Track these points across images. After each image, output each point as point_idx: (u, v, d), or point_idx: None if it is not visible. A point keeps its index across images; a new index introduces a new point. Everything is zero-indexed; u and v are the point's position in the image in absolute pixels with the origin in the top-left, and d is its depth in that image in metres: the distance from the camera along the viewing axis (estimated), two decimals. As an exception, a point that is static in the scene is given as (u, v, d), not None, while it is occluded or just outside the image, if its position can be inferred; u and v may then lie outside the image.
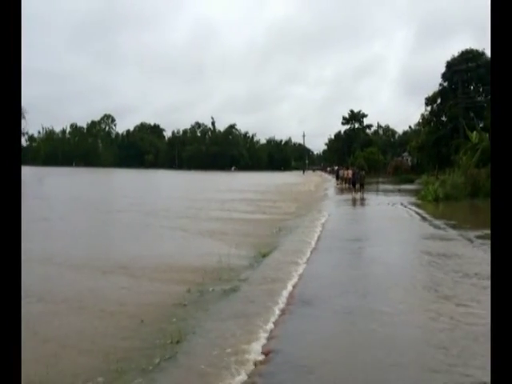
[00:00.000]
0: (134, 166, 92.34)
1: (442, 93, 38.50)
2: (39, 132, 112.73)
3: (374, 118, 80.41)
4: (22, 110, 46.32)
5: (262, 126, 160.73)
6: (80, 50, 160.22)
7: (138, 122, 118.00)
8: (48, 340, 3.97)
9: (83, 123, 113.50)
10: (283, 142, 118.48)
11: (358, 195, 21.13)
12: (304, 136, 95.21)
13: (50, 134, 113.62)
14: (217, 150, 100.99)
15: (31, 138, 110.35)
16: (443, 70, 38.20)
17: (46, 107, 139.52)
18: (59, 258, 7.40)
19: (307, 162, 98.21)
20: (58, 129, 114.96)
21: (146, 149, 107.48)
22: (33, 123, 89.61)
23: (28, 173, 52.29)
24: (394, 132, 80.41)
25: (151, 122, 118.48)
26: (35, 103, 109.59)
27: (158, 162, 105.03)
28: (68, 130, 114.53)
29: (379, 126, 79.69)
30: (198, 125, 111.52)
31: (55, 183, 34.82)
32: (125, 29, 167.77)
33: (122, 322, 4.42)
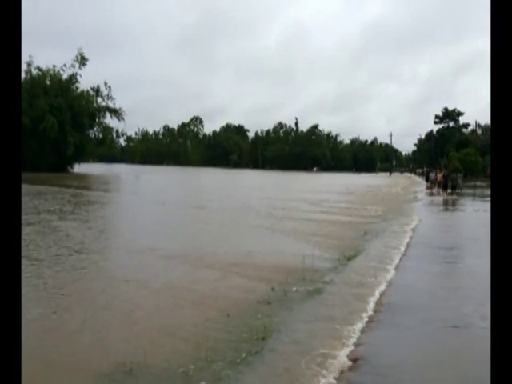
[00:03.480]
0: (219, 166, 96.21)
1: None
2: (136, 133, 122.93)
3: (472, 117, 73.66)
4: (121, 113, 50.85)
5: (347, 126, 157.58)
6: (179, 57, 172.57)
7: (225, 123, 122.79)
8: (144, 325, 4.27)
9: (176, 125, 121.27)
10: (368, 142, 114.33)
11: (451, 199, 19.56)
12: (391, 136, 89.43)
13: (145, 135, 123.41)
14: (299, 150, 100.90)
15: (129, 139, 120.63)
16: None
17: (144, 110, 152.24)
18: (153, 249, 7.94)
19: (394, 163, 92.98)
20: (152, 130, 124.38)
21: (231, 149, 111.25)
22: (131, 125, 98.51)
23: (126, 170, 57.41)
24: (495, 131, 72.75)
25: (238, 123, 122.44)
26: (136, 106, 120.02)
27: (242, 161, 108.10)
28: (161, 131, 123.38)
29: (478, 125, 72.66)
30: (280, 125, 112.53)
31: (150, 180, 37.70)
32: (221, 36, 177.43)
33: (209, 313, 4.60)
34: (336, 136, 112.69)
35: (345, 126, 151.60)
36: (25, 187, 22.93)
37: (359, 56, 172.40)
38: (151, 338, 3.85)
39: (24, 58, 51.57)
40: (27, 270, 6.02)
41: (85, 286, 5.62)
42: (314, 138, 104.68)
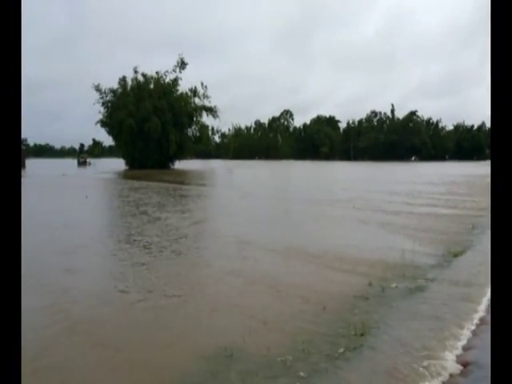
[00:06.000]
0: (309, 158, 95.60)
1: None
2: (229, 129, 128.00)
3: None
4: (216, 111, 53.33)
5: (451, 112, 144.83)
6: (274, 55, 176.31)
7: (318, 115, 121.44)
8: (241, 312, 4.43)
9: (267, 120, 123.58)
10: (475, 128, 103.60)
11: None
12: (503, 119, 78.75)
13: (238, 131, 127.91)
14: (395, 138, 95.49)
15: (223, 135, 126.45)
16: None
17: (238, 107, 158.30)
18: (245, 239, 8.18)
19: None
20: (244, 126, 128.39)
21: (321, 141, 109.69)
22: (225, 122, 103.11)
23: (220, 165, 60.26)
24: None
25: (332, 114, 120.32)
26: (230, 104, 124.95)
27: (333, 153, 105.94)
28: (253, 126, 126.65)
29: None
30: (374, 113, 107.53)
31: (242, 174, 39.02)
32: (318, 29, 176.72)
33: (305, 305, 4.60)
34: (437, 122, 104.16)
35: (448, 112, 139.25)
36: (128, 182, 25.65)
37: (468, 36, 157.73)
38: (249, 326, 3.99)
39: (132, 66, 57.16)
40: (133, 254, 6.67)
41: (185, 273, 6.03)
42: (411, 125, 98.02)
